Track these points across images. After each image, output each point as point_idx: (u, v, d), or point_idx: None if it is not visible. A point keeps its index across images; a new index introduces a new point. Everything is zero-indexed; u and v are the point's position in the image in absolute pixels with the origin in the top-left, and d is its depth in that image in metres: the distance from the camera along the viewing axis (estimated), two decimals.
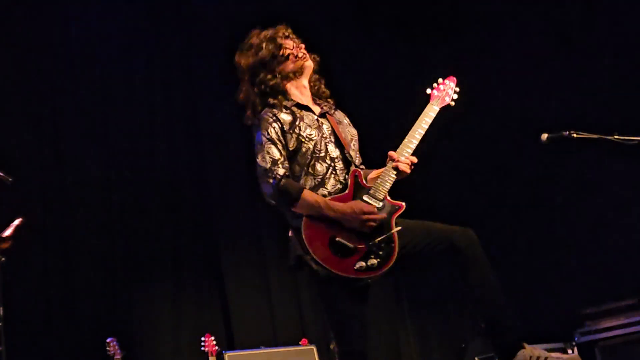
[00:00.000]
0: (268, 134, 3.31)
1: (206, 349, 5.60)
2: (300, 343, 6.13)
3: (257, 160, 3.30)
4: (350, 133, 3.54)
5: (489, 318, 3.26)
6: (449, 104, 3.56)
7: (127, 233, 6.39)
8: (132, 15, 6.90)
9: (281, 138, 3.32)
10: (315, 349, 6.04)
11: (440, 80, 3.60)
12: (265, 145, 3.29)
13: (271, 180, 3.24)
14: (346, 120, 3.61)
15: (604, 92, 6.33)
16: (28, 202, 5.79)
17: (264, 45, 3.51)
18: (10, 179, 4.31)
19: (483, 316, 3.28)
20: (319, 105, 3.55)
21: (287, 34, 3.57)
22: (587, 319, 5.76)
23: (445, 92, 3.56)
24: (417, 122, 3.44)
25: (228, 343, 6.38)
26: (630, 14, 6.31)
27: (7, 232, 4.21)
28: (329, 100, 3.62)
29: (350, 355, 3.23)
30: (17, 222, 4.25)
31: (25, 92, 6.27)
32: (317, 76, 3.62)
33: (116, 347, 5.37)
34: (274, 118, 3.35)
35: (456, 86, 3.59)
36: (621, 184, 6.27)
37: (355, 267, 3.15)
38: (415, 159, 3.37)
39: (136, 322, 6.20)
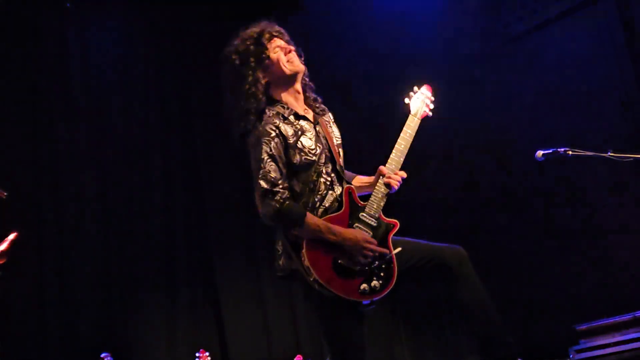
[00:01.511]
0: (270, 149, 3.16)
1: None
2: (295, 359, 6.11)
3: (257, 179, 3.15)
4: (336, 136, 3.47)
5: (482, 335, 3.25)
6: (427, 115, 3.53)
7: (121, 248, 6.38)
8: (130, 34, 6.92)
9: (282, 154, 3.19)
10: None
11: (415, 88, 3.58)
12: (266, 163, 3.14)
13: (273, 203, 3.11)
14: (331, 119, 3.53)
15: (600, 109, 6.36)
16: (23, 217, 5.77)
17: (247, 49, 3.32)
18: (5, 194, 4.29)
19: (476, 333, 3.27)
20: (310, 108, 3.44)
21: (274, 32, 3.38)
22: (582, 335, 5.74)
23: (423, 102, 3.53)
24: (401, 134, 3.40)
25: (223, 358, 6.36)
26: None
27: (2, 247, 4.18)
28: (318, 99, 3.50)
29: None
30: (11, 236, 4.22)
31: (21, 108, 6.27)
32: (306, 80, 3.45)
33: None
34: (276, 132, 3.19)
35: (432, 94, 3.58)
36: (615, 200, 6.28)
37: (359, 290, 3.13)
38: (404, 174, 3.34)
39: (130, 337, 6.18)
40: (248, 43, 3.32)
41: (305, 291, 3.22)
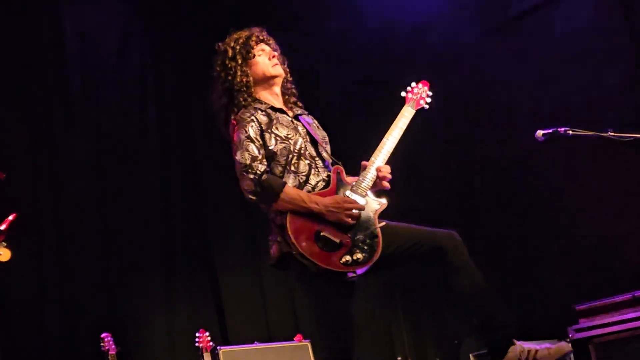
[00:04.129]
0: (246, 132, 3.33)
1: (200, 345, 5.59)
2: (294, 339, 6.13)
3: (236, 157, 3.31)
4: (321, 134, 3.62)
5: (478, 317, 3.32)
6: (423, 107, 3.64)
7: (121, 229, 6.39)
8: (127, 16, 6.88)
9: (258, 137, 3.34)
10: (309, 345, 6.04)
11: (413, 84, 3.68)
12: (244, 143, 3.30)
13: (252, 176, 3.25)
14: (315, 123, 3.68)
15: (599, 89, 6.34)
16: (22, 198, 5.76)
17: (235, 47, 3.56)
18: (4, 175, 4.30)
19: (473, 315, 3.34)
20: (290, 109, 3.60)
21: (261, 37, 3.61)
22: (581, 315, 5.76)
23: (419, 95, 3.65)
24: (394, 124, 3.51)
25: (222, 338, 6.39)
26: None
27: (1, 228, 4.19)
28: (298, 104, 3.67)
29: (335, 350, 3.27)
30: (11, 217, 4.23)
31: (19, 91, 6.24)
32: (291, 85, 3.67)
33: (111, 342, 5.37)
34: (252, 118, 3.37)
35: (429, 90, 3.68)
36: (615, 180, 6.28)
37: (342, 261, 3.18)
38: (388, 169, 3.41)
39: (131, 317, 6.20)
40: (237, 42, 3.58)
41: (297, 273, 3.31)
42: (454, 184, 7.44)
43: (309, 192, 3.31)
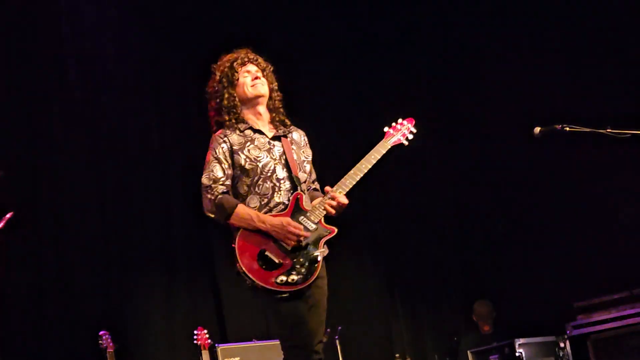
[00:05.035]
0: (215, 152, 3.55)
1: (198, 342, 5.59)
2: None
3: (202, 176, 3.54)
4: (304, 154, 3.71)
5: None
6: (402, 143, 3.72)
7: (120, 226, 6.38)
8: (126, 14, 6.87)
9: (227, 158, 3.54)
10: None
11: (399, 120, 3.76)
12: (211, 164, 3.53)
13: (210, 197, 3.49)
14: (304, 141, 3.77)
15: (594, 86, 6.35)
16: (20, 195, 5.76)
17: (224, 70, 3.70)
18: (1, 173, 4.29)
19: None
20: (275, 128, 3.70)
21: (246, 59, 3.73)
22: (580, 312, 5.78)
23: (401, 132, 3.74)
24: (366, 156, 3.61)
25: (221, 336, 6.38)
26: None
27: None
28: (286, 122, 3.76)
29: (295, 349, 3.38)
30: (8, 215, 4.22)
31: (19, 90, 6.24)
32: (279, 104, 3.75)
33: (109, 340, 5.36)
34: (224, 139, 3.57)
35: (413, 127, 3.75)
36: (612, 178, 6.29)
37: (277, 280, 3.32)
38: (345, 201, 3.49)
39: (129, 315, 6.20)
40: (225, 66, 3.73)
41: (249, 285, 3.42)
42: (454, 184, 7.45)
43: (266, 213, 3.46)
